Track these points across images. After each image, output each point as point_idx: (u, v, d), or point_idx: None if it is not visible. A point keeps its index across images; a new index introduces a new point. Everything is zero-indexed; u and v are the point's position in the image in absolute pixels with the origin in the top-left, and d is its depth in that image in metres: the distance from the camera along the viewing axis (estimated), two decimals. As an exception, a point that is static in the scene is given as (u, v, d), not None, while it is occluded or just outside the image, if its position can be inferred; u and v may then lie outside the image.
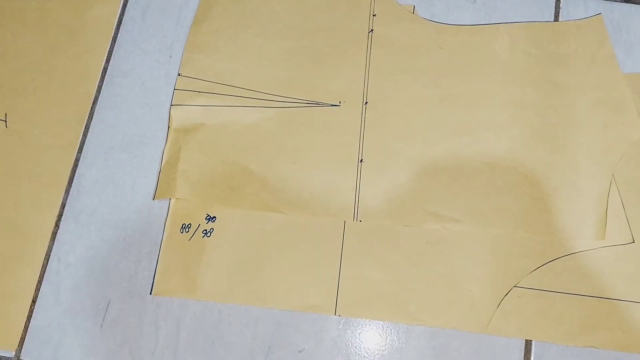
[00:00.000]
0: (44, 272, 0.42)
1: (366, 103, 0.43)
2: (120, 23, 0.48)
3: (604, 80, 0.42)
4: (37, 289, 0.41)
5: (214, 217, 0.41)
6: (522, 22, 0.45)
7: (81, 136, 0.45)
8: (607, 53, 0.43)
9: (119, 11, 0.48)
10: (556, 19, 0.45)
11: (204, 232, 0.41)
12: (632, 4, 0.45)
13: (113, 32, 0.48)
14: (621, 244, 0.39)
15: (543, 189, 0.40)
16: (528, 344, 0.38)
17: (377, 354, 0.39)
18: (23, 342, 0.40)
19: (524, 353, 0.38)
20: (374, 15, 0.46)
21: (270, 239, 0.41)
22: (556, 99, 0.42)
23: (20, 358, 0.40)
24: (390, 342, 0.39)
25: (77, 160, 0.44)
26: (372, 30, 0.45)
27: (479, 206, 0.40)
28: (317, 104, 0.44)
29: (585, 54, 0.43)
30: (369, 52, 0.45)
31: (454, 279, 0.39)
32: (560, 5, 0.45)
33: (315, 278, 0.40)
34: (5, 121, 0.45)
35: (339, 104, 0.43)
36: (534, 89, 0.43)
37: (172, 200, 0.42)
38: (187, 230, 0.41)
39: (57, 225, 0.43)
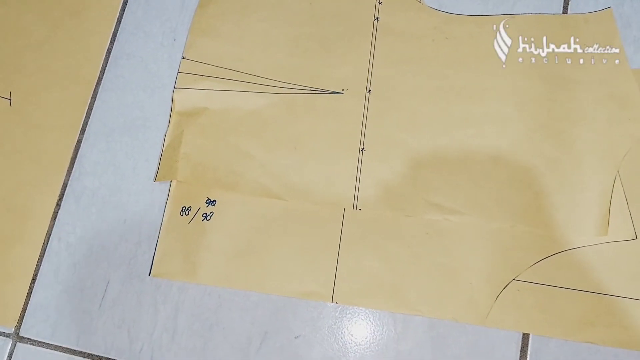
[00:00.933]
0: (44, 251, 0.42)
1: (369, 91, 0.43)
2: (126, 4, 0.48)
3: (612, 76, 0.42)
4: (37, 268, 0.42)
5: (214, 200, 0.41)
6: (530, 13, 0.44)
7: (84, 117, 0.45)
8: (616, 47, 0.42)
9: (124, -8, 0.48)
10: (565, 11, 0.44)
11: (204, 215, 0.41)
12: (643, -1, 0.45)
13: (118, 13, 0.48)
14: (623, 240, 0.39)
15: (546, 183, 0.40)
16: (525, 337, 0.38)
17: (374, 342, 0.39)
18: (22, 319, 0.41)
19: (521, 346, 0.38)
20: (379, 3, 0.45)
21: (270, 225, 0.41)
22: (562, 93, 0.42)
23: (20, 335, 0.40)
24: (388, 332, 0.39)
25: (79, 141, 0.45)
26: (377, 18, 0.45)
27: (480, 198, 0.40)
28: (321, 91, 0.43)
29: (593, 48, 0.42)
30: (373, 40, 0.44)
31: (454, 271, 0.39)
32: (570, -3, 0.45)
33: (313, 265, 0.40)
34: (10, 99, 0.45)
35: (342, 92, 0.43)
36: (540, 83, 0.42)
37: (173, 183, 0.42)
38: (187, 213, 0.41)
39: (58, 206, 0.43)
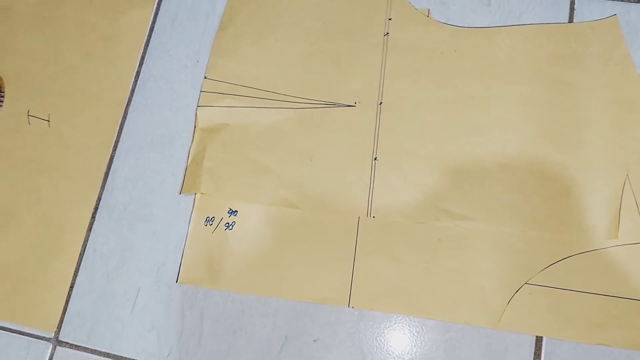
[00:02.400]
0: (81, 261, 0.45)
1: (381, 103, 0.45)
2: (152, 30, 0.51)
3: (619, 80, 0.42)
4: (75, 277, 0.45)
5: (236, 211, 0.44)
6: (537, 24, 0.45)
7: (115, 136, 0.48)
8: (623, 53, 0.43)
9: (151, 19, 0.52)
10: (571, 20, 0.45)
11: (227, 225, 0.43)
12: (650, 5, 0.45)
13: (145, 38, 0.51)
14: (634, 243, 0.39)
15: (555, 187, 0.41)
16: (539, 340, 0.38)
17: (390, 345, 0.40)
18: (61, 324, 0.44)
19: (535, 349, 0.38)
20: (389, 19, 0.47)
21: (288, 233, 0.43)
22: (569, 99, 0.42)
23: (59, 339, 0.43)
24: (402, 335, 0.40)
25: (111, 158, 0.48)
26: (387, 33, 0.47)
27: (491, 205, 0.41)
28: (334, 104, 0.45)
29: (599, 54, 0.43)
30: (384, 55, 0.46)
31: (466, 275, 0.40)
32: (575, 7, 0.45)
33: (329, 272, 0.41)
34: (49, 121, 0.49)
35: (354, 105, 0.45)
36: (546, 90, 0.43)
37: (197, 195, 0.45)
38: (210, 223, 0.44)
39: (93, 218, 0.46)
